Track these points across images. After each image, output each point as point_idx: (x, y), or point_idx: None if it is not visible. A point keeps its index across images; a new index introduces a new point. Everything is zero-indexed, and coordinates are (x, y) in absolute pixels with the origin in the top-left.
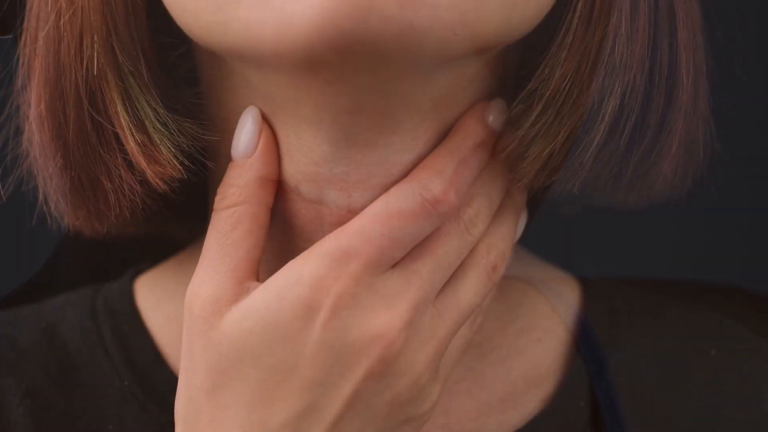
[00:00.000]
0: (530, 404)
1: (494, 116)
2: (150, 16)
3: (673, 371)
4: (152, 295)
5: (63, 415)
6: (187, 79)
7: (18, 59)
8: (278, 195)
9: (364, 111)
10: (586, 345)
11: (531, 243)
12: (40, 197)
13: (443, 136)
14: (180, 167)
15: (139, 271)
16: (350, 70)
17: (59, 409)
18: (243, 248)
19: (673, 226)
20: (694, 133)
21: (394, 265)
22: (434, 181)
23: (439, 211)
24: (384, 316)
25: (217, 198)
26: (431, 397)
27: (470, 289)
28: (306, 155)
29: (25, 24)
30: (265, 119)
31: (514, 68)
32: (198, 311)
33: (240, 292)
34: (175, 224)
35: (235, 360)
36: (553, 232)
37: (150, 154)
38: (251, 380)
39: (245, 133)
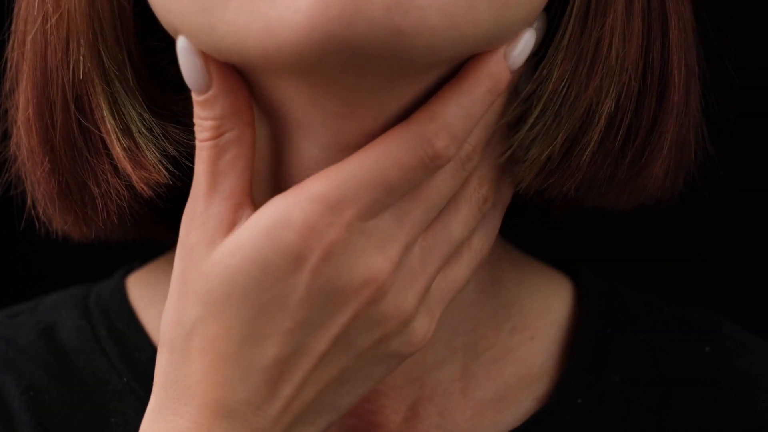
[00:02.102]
0: (525, 403)
1: (519, 50)
2: (138, 20)
3: (668, 370)
4: (145, 294)
5: (64, 408)
6: (175, 84)
7: (5, 63)
8: (269, 195)
9: (354, 115)
10: (580, 343)
11: (525, 243)
12: (29, 202)
13: None
14: (165, 173)
15: (129, 270)
16: (338, 73)
17: (60, 403)
18: (233, 174)
19: (666, 227)
20: (686, 134)
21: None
22: (438, 136)
23: (437, 164)
24: (374, 260)
25: (196, 130)
26: (420, 331)
27: (461, 222)
28: (297, 159)
29: (12, 27)
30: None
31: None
32: (195, 241)
33: (235, 220)
34: (164, 229)
35: (225, 294)
36: (546, 232)
37: (136, 160)
38: (240, 316)
39: (186, 69)
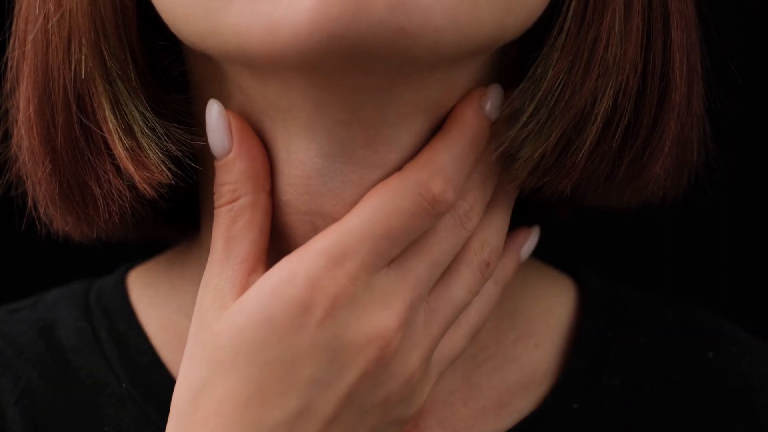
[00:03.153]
0: (525, 408)
1: (491, 104)
2: (141, 19)
3: (669, 374)
4: (145, 295)
5: (59, 412)
6: (178, 84)
7: (6, 63)
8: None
9: (358, 121)
10: (581, 346)
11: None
12: (29, 202)
13: None
14: (168, 173)
15: (130, 267)
16: (342, 74)
17: (55, 410)
18: (247, 240)
19: (670, 227)
20: (688, 133)
21: (390, 263)
22: (434, 180)
23: (438, 210)
24: (380, 316)
25: (215, 197)
26: (420, 397)
27: (463, 285)
28: (298, 168)
29: (13, 27)
30: (255, 129)
31: (509, 74)
32: (209, 304)
33: (247, 284)
34: (165, 229)
35: (232, 354)
36: (549, 231)
37: (138, 160)
38: (247, 376)
39: (214, 132)
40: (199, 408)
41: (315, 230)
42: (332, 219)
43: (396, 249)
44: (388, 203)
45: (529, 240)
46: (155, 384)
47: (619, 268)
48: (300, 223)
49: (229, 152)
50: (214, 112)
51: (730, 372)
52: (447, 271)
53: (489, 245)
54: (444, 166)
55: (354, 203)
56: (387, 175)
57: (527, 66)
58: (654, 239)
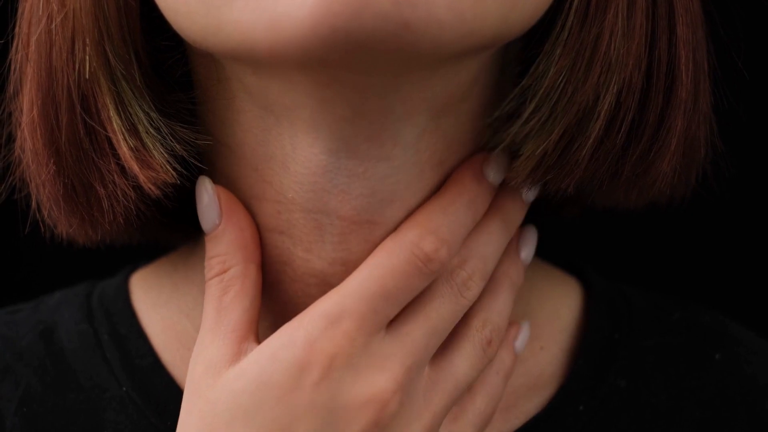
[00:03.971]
0: (531, 409)
1: (494, 172)
2: (145, 19)
3: (676, 375)
4: (148, 297)
5: (59, 420)
6: (182, 84)
7: (9, 65)
8: (275, 209)
9: (363, 118)
10: (587, 348)
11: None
12: (33, 205)
13: (444, 150)
14: (173, 172)
15: (133, 269)
16: (346, 69)
17: (55, 415)
18: (238, 310)
19: (678, 226)
20: (695, 131)
21: (387, 327)
22: (426, 239)
23: (431, 268)
24: (377, 378)
25: (206, 271)
26: None
27: (465, 360)
28: (303, 166)
29: (16, 29)
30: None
31: (513, 74)
32: (200, 373)
33: (239, 352)
34: (170, 231)
35: (229, 419)
36: (555, 233)
37: (143, 159)
38: None
39: (205, 208)
40: None
41: (319, 228)
42: (337, 217)
43: (393, 308)
44: (383, 263)
45: (522, 333)
46: (155, 386)
47: (625, 268)
48: (304, 221)
49: (218, 226)
50: (207, 187)
51: (737, 373)
52: (449, 345)
53: (490, 323)
54: (437, 226)
55: (359, 198)
56: (392, 168)
57: (530, 63)
58: (662, 238)
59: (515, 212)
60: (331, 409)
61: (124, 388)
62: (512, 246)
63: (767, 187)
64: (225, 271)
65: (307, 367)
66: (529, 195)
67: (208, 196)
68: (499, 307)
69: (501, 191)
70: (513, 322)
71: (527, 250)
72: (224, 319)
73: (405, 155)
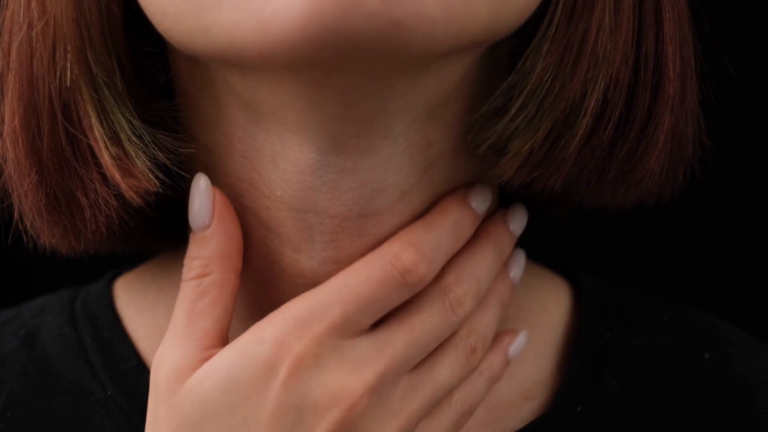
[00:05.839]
0: (524, 410)
1: (476, 202)
2: (128, 25)
3: (666, 375)
4: (132, 301)
5: (43, 425)
6: (165, 91)
7: None
8: (263, 204)
9: (353, 117)
10: (580, 350)
11: (523, 245)
12: (16, 215)
13: (437, 139)
14: (156, 181)
15: (117, 274)
16: (336, 70)
17: (39, 421)
18: (210, 318)
19: (666, 225)
20: (683, 127)
21: (369, 332)
22: (406, 251)
23: (408, 281)
24: (347, 379)
25: (184, 270)
26: None
27: (446, 367)
28: (292, 164)
29: None
30: (247, 125)
31: (504, 71)
32: (163, 378)
33: (206, 359)
34: (153, 239)
35: (197, 421)
36: (545, 234)
37: (125, 168)
38: None
39: (198, 206)
40: None
41: (308, 227)
42: (326, 215)
43: (366, 317)
44: (360, 271)
45: (517, 341)
46: (140, 389)
47: (614, 268)
48: (293, 220)
49: (207, 227)
50: (202, 186)
51: (728, 373)
52: (432, 352)
53: (476, 333)
54: (419, 242)
55: (349, 192)
56: (381, 158)
57: (517, 59)
58: (650, 238)
59: (505, 240)
60: (300, 408)
61: (109, 392)
62: (502, 266)
63: (755, 185)
64: (204, 276)
65: (275, 365)
66: (516, 227)
67: (203, 196)
68: (486, 319)
69: (491, 221)
70: (510, 330)
71: (516, 270)
72: (196, 324)
73: (394, 145)
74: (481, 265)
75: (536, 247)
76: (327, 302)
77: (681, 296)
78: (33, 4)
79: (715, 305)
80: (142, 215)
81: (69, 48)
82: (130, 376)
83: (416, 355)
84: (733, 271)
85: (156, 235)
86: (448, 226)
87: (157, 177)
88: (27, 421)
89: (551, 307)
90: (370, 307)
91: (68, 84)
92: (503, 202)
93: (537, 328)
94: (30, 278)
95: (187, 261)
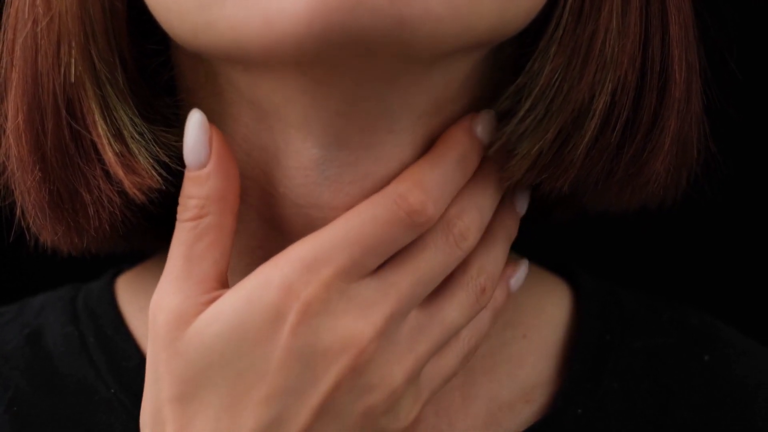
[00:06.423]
0: (525, 411)
1: (482, 127)
2: (132, 23)
3: (666, 377)
4: (134, 298)
5: (49, 422)
6: (168, 88)
7: None
8: (265, 200)
9: (357, 114)
10: (580, 351)
11: (523, 246)
12: (18, 212)
13: (443, 133)
14: (158, 177)
15: (118, 272)
16: (341, 67)
17: (45, 418)
18: (209, 260)
19: (669, 229)
20: (688, 131)
21: (374, 273)
22: (412, 192)
23: (415, 221)
24: (355, 324)
25: (179, 209)
26: (408, 413)
27: (457, 307)
28: (295, 160)
29: (2, 36)
30: (250, 122)
31: (509, 69)
32: (162, 323)
33: (208, 302)
34: (154, 239)
35: (203, 367)
36: (545, 236)
37: (128, 165)
38: (219, 388)
39: (193, 141)
40: (168, 428)
41: (311, 223)
42: (329, 209)
43: (373, 259)
44: (364, 213)
45: (519, 272)
46: (143, 387)
47: (616, 272)
48: (296, 216)
49: (203, 166)
50: (195, 121)
51: (727, 375)
52: (441, 292)
53: (486, 272)
54: (425, 180)
55: (351, 184)
56: (384, 151)
57: (524, 62)
58: (653, 241)
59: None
60: (308, 355)
61: (113, 390)
62: (507, 200)
63: (759, 190)
64: (201, 217)
65: (283, 311)
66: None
67: (198, 131)
68: (495, 256)
69: (486, 164)
70: (509, 263)
71: (521, 204)
72: (195, 268)
73: (398, 140)
74: (482, 195)
75: (536, 248)
76: (334, 245)
77: (682, 300)
78: (38, 1)
79: (717, 309)
80: (144, 212)
81: (73, 44)
82: (133, 375)
83: (422, 292)
84: (735, 275)
85: (158, 232)
86: (454, 161)
87: (159, 174)
88: (33, 417)
89: (551, 308)
90: (377, 250)
91: (72, 80)
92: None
93: (537, 330)
94: (30, 277)
95: (182, 200)
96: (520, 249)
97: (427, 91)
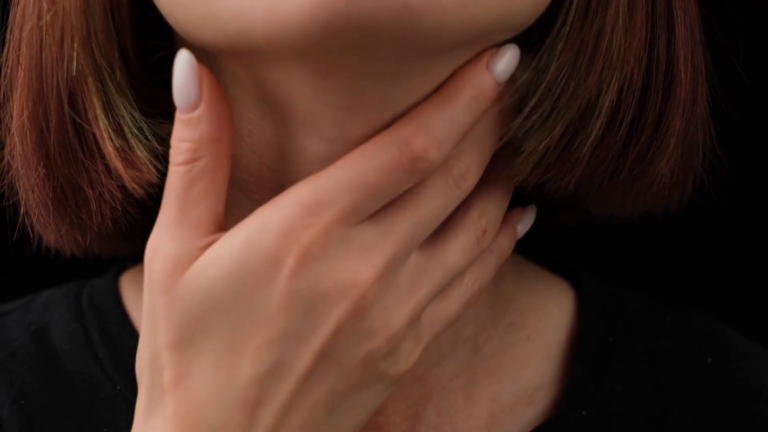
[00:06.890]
0: (528, 413)
1: (502, 64)
2: (137, 18)
3: (668, 379)
4: (139, 295)
5: (55, 418)
6: (170, 83)
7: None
8: (271, 196)
9: (361, 108)
10: (583, 353)
11: (525, 248)
12: (22, 210)
13: None
14: (156, 172)
15: (123, 269)
16: (344, 56)
17: (51, 412)
18: (204, 204)
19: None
20: (693, 133)
21: (372, 216)
22: (416, 137)
23: (418, 167)
24: (356, 267)
25: (172, 152)
26: (408, 357)
27: (457, 249)
28: (300, 155)
29: (7, 35)
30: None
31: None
32: (159, 269)
33: (205, 247)
34: None
35: (201, 312)
36: (548, 238)
37: (128, 159)
38: (218, 333)
39: (181, 81)
40: (167, 375)
41: None
42: None
43: (374, 203)
44: (367, 156)
45: (526, 217)
46: None
47: (620, 275)
48: None
49: (194, 108)
50: (182, 59)
51: (730, 377)
52: (442, 234)
53: (487, 214)
54: (431, 124)
55: None
56: None
57: (530, 58)
58: (657, 245)
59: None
60: (308, 299)
61: (118, 387)
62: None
63: (764, 194)
64: (194, 161)
65: (282, 256)
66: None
67: (187, 70)
68: (496, 199)
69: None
70: (517, 208)
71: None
72: (190, 212)
73: None
74: (482, 135)
75: (539, 250)
76: (335, 189)
77: (687, 303)
78: None
79: (720, 312)
80: (145, 208)
81: (76, 38)
82: None
83: (422, 234)
84: (738, 278)
85: None
86: (464, 104)
87: (157, 168)
88: (40, 413)
89: (553, 309)
90: (378, 194)
91: (74, 73)
92: (514, 206)
93: (539, 332)
94: (30, 276)
95: (174, 142)
96: (523, 251)
97: (430, 83)
